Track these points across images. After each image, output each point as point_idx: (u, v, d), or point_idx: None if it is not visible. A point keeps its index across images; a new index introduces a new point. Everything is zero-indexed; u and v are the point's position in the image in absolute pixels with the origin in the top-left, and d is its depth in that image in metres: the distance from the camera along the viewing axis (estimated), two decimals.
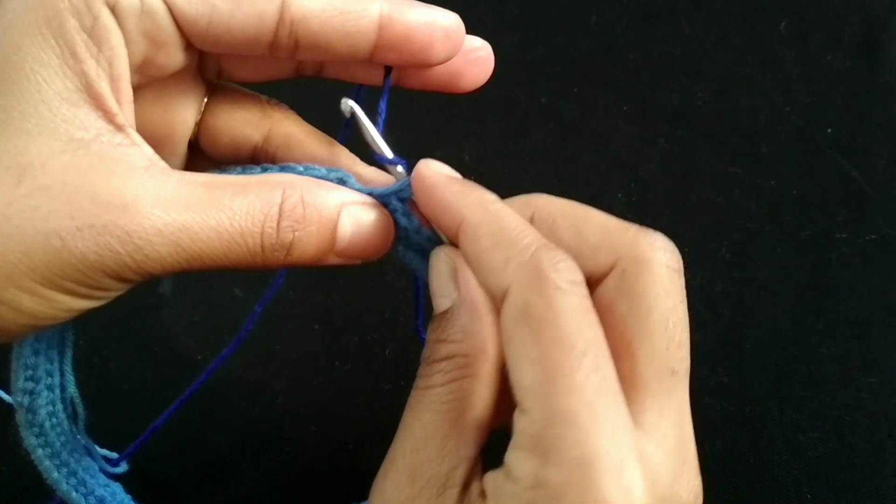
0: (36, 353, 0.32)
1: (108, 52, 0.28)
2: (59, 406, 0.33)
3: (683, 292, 0.29)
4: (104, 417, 0.48)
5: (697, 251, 0.54)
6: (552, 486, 0.24)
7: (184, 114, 0.34)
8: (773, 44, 0.62)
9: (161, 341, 0.51)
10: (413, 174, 0.31)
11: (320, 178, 0.31)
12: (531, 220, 0.31)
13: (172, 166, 0.30)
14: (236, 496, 0.47)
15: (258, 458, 0.48)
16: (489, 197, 0.31)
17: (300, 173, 0.31)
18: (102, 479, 0.35)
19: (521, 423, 0.25)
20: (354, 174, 0.33)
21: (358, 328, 0.51)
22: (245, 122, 0.35)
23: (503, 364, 0.28)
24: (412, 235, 0.32)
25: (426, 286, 0.32)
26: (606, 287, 0.29)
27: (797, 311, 0.52)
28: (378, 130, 0.33)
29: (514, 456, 0.25)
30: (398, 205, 0.32)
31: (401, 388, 0.49)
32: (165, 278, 0.32)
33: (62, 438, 0.34)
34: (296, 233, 0.29)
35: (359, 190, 0.32)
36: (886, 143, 0.58)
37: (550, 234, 0.29)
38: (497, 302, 0.27)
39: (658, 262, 0.29)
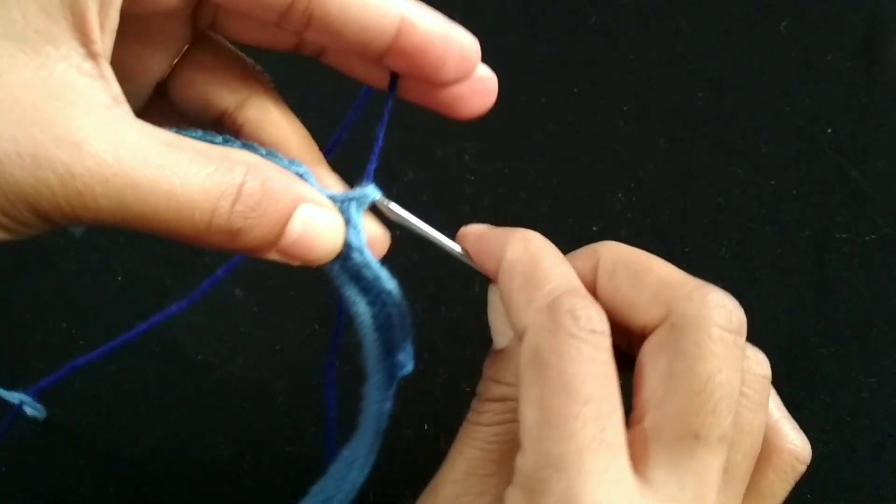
0: None
1: None
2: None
3: (735, 356, 0.28)
4: (104, 417, 0.48)
5: (697, 251, 0.54)
6: None
7: (162, 55, 0.31)
8: (773, 44, 0.62)
9: (161, 341, 0.51)
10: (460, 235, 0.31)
11: (280, 166, 0.29)
12: (595, 268, 0.30)
13: (132, 104, 0.28)
14: (236, 496, 0.47)
15: (258, 458, 0.48)
16: (532, 236, 0.30)
17: (262, 155, 0.29)
18: None
19: (518, 461, 0.26)
20: (316, 176, 0.31)
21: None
22: (221, 83, 0.32)
23: None
24: (353, 255, 0.30)
25: (346, 313, 0.32)
26: (653, 340, 0.28)
27: (797, 311, 0.52)
28: (377, 145, 0.32)
29: (510, 493, 0.26)
30: (354, 215, 0.30)
31: (401, 388, 0.49)
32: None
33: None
34: (247, 220, 0.27)
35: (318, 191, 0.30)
36: (886, 143, 0.58)
37: (610, 282, 0.29)
38: (518, 341, 0.28)
39: (709, 321, 0.28)
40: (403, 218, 0.31)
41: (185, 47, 0.32)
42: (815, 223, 0.55)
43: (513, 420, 0.28)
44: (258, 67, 0.33)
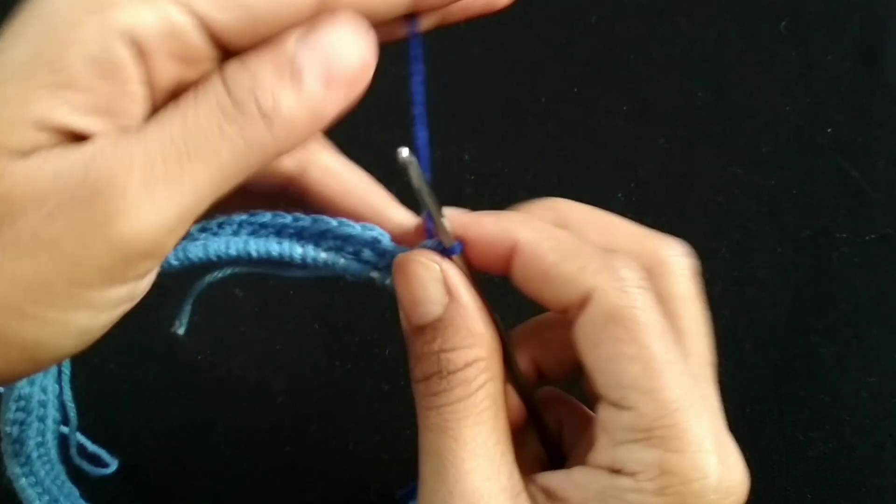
0: (31, 383, 0.31)
1: (115, 88, 0.23)
2: (50, 436, 0.33)
3: (701, 293, 0.32)
4: (104, 417, 0.48)
5: (697, 251, 0.54)
6: (680, 471, 0.26)
7: None
8: (773, 44, 0.62)
9: (161, 341, 0.51)
10: (448, 216, 0.29)
11: (354, 234, 0.30)
12: (564, 226, 0.30)
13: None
14: (236, 496, 0.47)
15: (258, 458, 0.48)
16: (526, 216, 0.30)
17: (334, 227, 0.30)
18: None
19: (623, 418, 0.26)
20: (387, 220, 0.32)
21: (358, 328, 0.51)
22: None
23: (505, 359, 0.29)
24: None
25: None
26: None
27: (797, 311, 0.52)
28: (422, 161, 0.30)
29: (626, 450, 0.26)
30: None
31: (401, 388, 0.49)
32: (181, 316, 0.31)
33: (47, 467, 0.33)
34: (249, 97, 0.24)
35: (393, 251, 0.30)
36: (886, 143, 0.58)
37: (583, 240, 0.30)
38: (572, 308, 0.28)
39: (681, 266, 0.32)
40: (420, 189, 0.29)
41: None
42: (815, 223, 0.55)
43: (489, 380, 0.28)
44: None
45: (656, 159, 0.57)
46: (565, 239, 0.29)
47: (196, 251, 0.30)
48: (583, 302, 0.27)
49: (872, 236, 0.54)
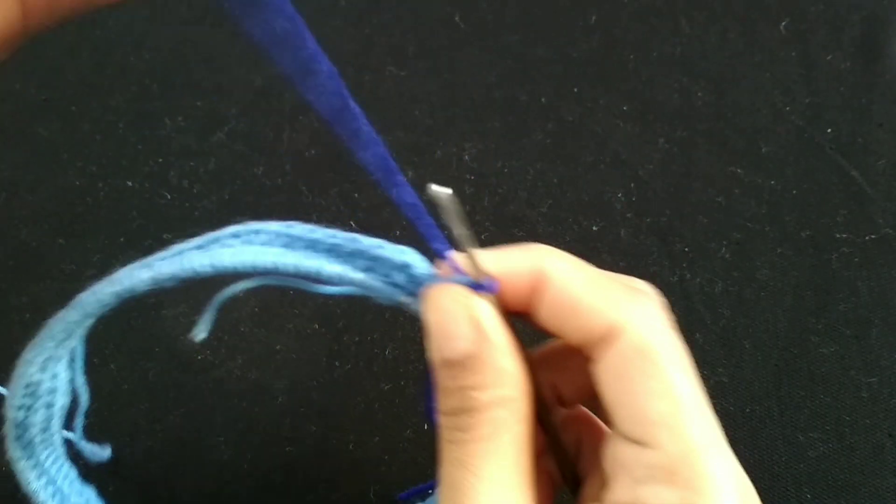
0: (42, 369, 0.31)
1: None
2: (56, 422, 0.33)
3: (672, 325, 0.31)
4: (104, 417, 0.48)
5: (697, 251, 0.54)
6: None
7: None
8: (773, 44, 0.62)
9: (161, 341, 0.51)
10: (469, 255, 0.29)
11: (385, 257, 0.29)
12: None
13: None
14: (236, 496, 0.47)
15: (258, 458, 0.48)
16: (549, 248, 0.30)
17: (367, 248, 0.29)
18: (78, 486, 0.35)
19: (645, 457, 0.26)
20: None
21: (358, 328, 0.51)
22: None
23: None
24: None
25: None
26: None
27: (797, 311, 0.52)
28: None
29: (648, 490, 0.26)
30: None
31: (401, 388, 0.49)
32: (203, 322, 0.31)
33: (48, 451, 0.33)
34: None
35: (425, 278, 0.30)
36: (886, 143, 0.58)
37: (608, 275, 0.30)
38: (596, 343, 0.27)
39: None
40: (455, 227, 0.28)
41: None
42: (815, 223, 0.55)
43: (517, 421, 0.28)
44: None
45: (656, 159, 0.57)
46: (594, 271, 0.29)
47: (229, 259, 0.29)
48: (610, 335, 0.27)
49: (872, 236, 0.54)
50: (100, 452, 0.39)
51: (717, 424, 0.27)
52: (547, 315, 0.29)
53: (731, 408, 0.49)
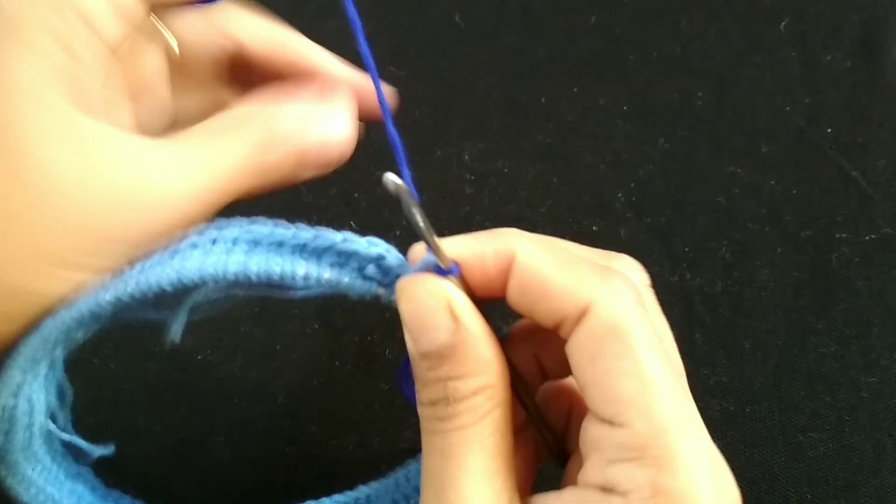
0: (15, 395, 0.31)
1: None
2: (37, 441, 0.33)
3: (655, 303, 0.31)
4: (104, 417, 0.48)
5: (697, 251, 0.54)
6: (673, 492, 0.25)
7: (152, 58, 0.34)
8: (773, 44, 0.62)
9: (161, 341, 0.51)
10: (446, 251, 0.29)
11: (358, 251, 0.30)
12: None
13: (159, 124, 0.32)
14: (236, 496, 0.47)
15: (258, 458, 0.48)
16: (519, 231, 0.30)
17: (338, 243, 0.30)
18: (69, 486, 0.35)
19: (616, 436, 0.26)
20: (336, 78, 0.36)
21: (358, 328, 0.51)
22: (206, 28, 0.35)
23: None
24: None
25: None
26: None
27: (797, 311, 0.52)
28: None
29: (618, 469, 0.26)
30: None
31: (399, 388, 0.49)
32: (175, 324, 0.31)
33: (32, 464, 0.33)
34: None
35: (398, 268, 0.30)
36: (886, 143, 0.58)
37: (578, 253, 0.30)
38: (568, 321, 0.27)
39: (640, 284, 0.30)
40: (412, 213, 0.29)
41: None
42: (815, 223, 0.55)
43: (495, 407, 0.28)
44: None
45: (656, 159, 0.57)
46: (563, 251, 0.28)
47: (190, 274, 0.29)
48: (580, 315, 0.27)
49: (872, 236, 0.54)
50: (99, 449, 0.39)
51: (691, 404, 0.27)
52: (516, 298, 0.29)
53: (731, 408, 0.49)
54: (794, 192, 0.56)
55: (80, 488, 0.36)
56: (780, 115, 0.59)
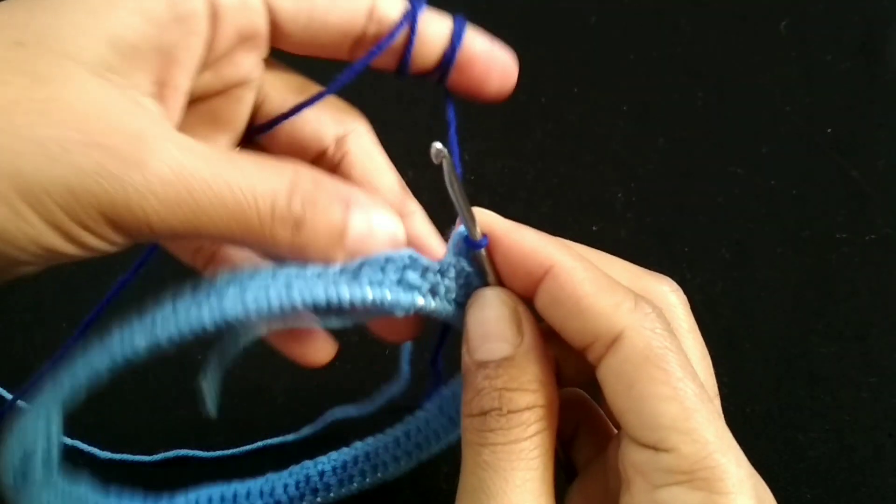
0: (33, 444, 0.31)
1: (184, 36, 0.27)
2: (54, 470, 0.32)
3: (696, 326, 0.32)
4: (104, 417, 0.48)
5: (697, 251, 0.54)
6: None
7: (241, 105, 0.32)
8: (773, 44, 0.62)
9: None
10: (481, 221, 0.29)
11: (392, 257, 0.29)
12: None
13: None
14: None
15: (258, 458, 0.48)
16: (565, 242, 0.30)
17: (373, 257, 0.29)
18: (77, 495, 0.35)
19: (663, 461, 0.26)
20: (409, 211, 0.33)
21: (358, 328, 0.51)
22: (317, 118, 0.33)
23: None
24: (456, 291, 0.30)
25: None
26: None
27: (797, 311, 0.52)
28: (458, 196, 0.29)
29: (668, 493, 0.26)
30: (465, 266, 0.30)
31: (404, 387, 0.49)
32: (209, 396, 0.30)
33: (47, 493, 0.33)
34: (305, 209, 0.27)
35: (427, 267, 0.30)
36: (886, 143, 0.58)
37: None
38: (599, 344, 0.27)
39: (676, 303, 0.32)
40: (449, 181, 0.29)
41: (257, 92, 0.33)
42: (815, 223, 0.55)
43: (544, 429, 0.28)
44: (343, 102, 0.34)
45: (656, 159, 0.57)
46: (602, 273, 0.28)
47: (233, 306, 0.28)
48: (612, 340, 0.27)
49: (872, 236, 0.54)
50: (104, 452, 0.39)
51: (725, 425, 0.27)
52: (546, 307, 0.29)
53: (731, 408, 0.49)
54: (794, 192, 0.56)
55: (79, 490, 0.35)
56: (780, 115, 0.59)
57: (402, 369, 0.40)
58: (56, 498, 0.33)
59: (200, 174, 0.25)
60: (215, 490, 0.40)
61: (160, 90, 0.27)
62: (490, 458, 0.27)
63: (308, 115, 0.33)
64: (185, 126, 0.30)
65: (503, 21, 0.66)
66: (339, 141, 0.33)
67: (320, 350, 0.35)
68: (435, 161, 0.28)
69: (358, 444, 0.39)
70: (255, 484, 0.39)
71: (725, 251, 0.54)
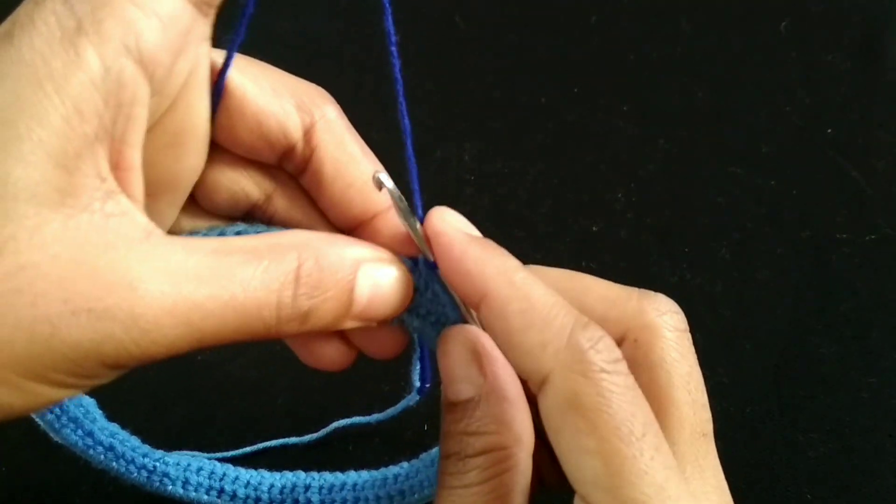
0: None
1: (121, 111, 0.24)
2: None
3: (694, 353, 0.29)
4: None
5: (697, 251, 0.54)
6: None
7: (193, 160, 0.30)
8: (773, 44, 0.62)
9: None
10: (426, 224, 0.29)
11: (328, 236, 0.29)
12: None
13: (168, 217, 0.28)
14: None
15: (258, 458, 0.48)
16: (512, 264, 0.27)
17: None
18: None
19: None
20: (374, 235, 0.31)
21: None
22: (249, 178, 0.32)
23: (534, 448, 0.28)
24: (426, 304, 0.30)
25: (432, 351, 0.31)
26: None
27: (797, 311, 0.52)
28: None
29: None
30: (424, 271, 0.30)
31: (401, 389, 0.49)
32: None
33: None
34: (312, 300, 0.26)
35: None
36: (886, 143, 0.58)
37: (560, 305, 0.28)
38: (533, 384, 0.26)
39: (667, 328, 0.29)
40: (401, 213, 0.29)
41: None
42: (815, 223, 0.55)
43: (504, 471, 0.27)
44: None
45: (656, 159, 0.57)
46: (539, 303, 0.26)
47: None
48: (541, 382, 0.25)
49: (872, 236, 0.54)
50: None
51: (671, 470, 0.25)
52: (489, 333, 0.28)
53: (731, 408, 0.49)
54: (794, 192, 0.56)
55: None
56: (780, 115, 0.59)
57: (412, 382, 0.40)
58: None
59: (198, 300, 0.24)
60: (207, 463, 0.42)
61: (116, 174, 0.25)
62: (447, 502, 0.27)
63: (271, 106, 0.30)
64: (147, 152, 0.27)
65: (503, 21, 0.66)
66: (308, 133, 0.31)
67: (341, 355, 0.35)
68: (378, 189, 0.28)
69: (351, 473, 0.40)
70: (245, 473, 0.41)
71: (725, 251, 0.54)
